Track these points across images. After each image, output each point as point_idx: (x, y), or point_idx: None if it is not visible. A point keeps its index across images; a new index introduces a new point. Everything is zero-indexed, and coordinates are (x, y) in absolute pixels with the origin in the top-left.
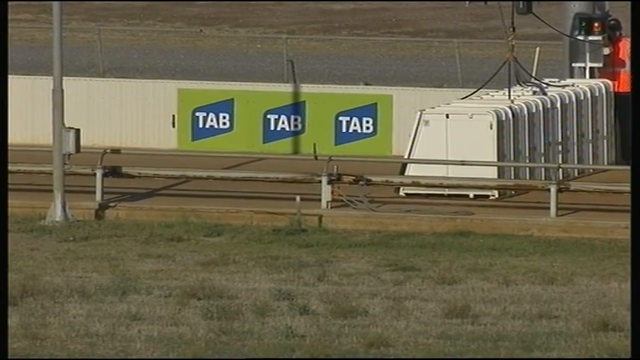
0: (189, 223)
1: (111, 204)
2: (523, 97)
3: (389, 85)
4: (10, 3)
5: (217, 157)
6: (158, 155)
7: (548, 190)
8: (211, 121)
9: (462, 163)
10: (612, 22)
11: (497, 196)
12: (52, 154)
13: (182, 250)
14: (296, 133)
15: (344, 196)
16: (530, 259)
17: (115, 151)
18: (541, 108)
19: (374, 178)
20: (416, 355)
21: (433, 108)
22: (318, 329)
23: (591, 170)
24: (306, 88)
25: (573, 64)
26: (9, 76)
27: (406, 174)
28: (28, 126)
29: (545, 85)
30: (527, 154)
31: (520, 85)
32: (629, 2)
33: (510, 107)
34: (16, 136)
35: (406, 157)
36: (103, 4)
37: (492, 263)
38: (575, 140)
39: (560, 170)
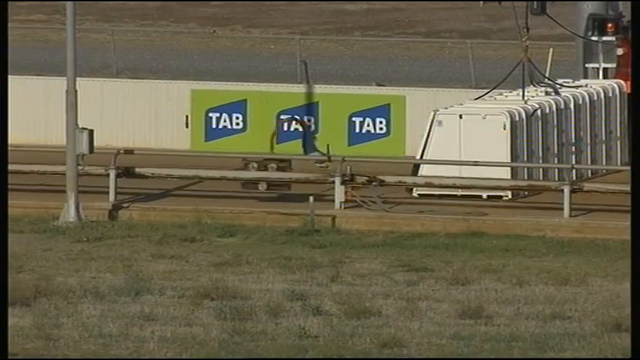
0: (202, 224)
1: (124, 204)
2: (536, 97)
3: (402, 86)
4: (23, 4)
5: (230, 158)
6: (171, 156)
7: (562, 190)
8: (224, 121)
9: (475, 163)
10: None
11: (510, 196)
12: (65, 154)
13: (195, 250)
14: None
15: (357, 196)
16: (544, 259)
17: (129, 151)
18: (554, 109)
19: (387, 179)
20: (429, 355)
21: (446, 108)
22: (332, 330)
23: (604, 171)
24: (319, 89)
25: (587, 65)
26: (23, 77)
27: (419, 174)
28: (41, 126)
29: (558, 86)
30: (540, 155)
31: (534, 85)
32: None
33: (524, 108)
34: (29, 136)
35: (418, 157)
36: (117, 4)
37: (506, 264)
38: (589, 141)
39: (574, 171)
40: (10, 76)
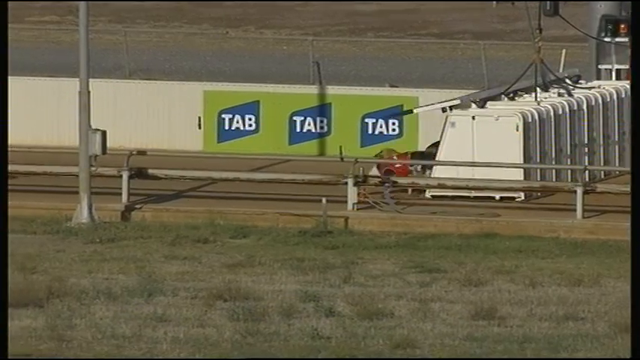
0: (215, 225)
1: (137, 206)
2: (549, 99)
3: (415, 87)
4: (36, 4)
5: (243, 159)
6: (184, 157)
7: (575, 191)
8: (237, 122)
9: (488, 164)
10: None
11: (523, 197)
12: (78, 155)
13: (208, 251)
14: (322, 135)
15: (370, 197)
16: (557, 260)
17: (141, 152)
18: (567, 110)
19: (400, 180)
20: (442, 356)
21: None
22: (344, 331)
23: (617, 172)
24: (331, 90)
25: (600, 66)
26: (35, 78)
27: (432, 175)
28: (54, 128)
29: (571, 87)
30: (553, 156)
31: (546, 86)
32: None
33: (536, 109)
34: (42, 137)
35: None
36: (129, 5)
37: (518, 265)
38: (602, 142)
39: (587, 172)
40: (22, 77)
